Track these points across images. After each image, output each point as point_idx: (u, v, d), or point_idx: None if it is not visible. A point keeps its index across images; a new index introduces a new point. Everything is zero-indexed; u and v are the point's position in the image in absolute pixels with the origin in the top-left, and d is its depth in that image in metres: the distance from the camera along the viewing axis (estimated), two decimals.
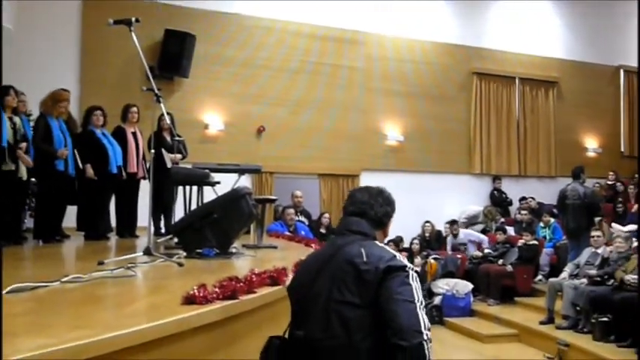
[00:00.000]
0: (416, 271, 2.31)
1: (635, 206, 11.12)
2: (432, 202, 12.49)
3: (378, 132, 12.41)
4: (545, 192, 13.25)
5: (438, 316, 9.77)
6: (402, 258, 2.32)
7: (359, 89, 12.38)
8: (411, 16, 12.89)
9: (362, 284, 2.24)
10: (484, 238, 11.63)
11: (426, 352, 2.10)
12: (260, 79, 11.63)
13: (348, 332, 2.20)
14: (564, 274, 8.57)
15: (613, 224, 9.59)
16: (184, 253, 4.99)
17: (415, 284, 2.24)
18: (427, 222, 12.04)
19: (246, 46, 11.52)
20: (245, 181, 10.00)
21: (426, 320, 2.16)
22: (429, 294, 9.97)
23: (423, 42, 13.00)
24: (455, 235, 11.58)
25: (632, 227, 9.41)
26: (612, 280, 7.62)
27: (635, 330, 6.70)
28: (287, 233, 8.98)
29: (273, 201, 8.18)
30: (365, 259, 2.27)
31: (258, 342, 2.47)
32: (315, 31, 12.06)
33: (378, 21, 12.56)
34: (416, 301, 2.18)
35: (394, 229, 11.14)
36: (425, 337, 2.11)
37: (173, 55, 10.58)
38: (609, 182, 13.68)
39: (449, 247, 11.55)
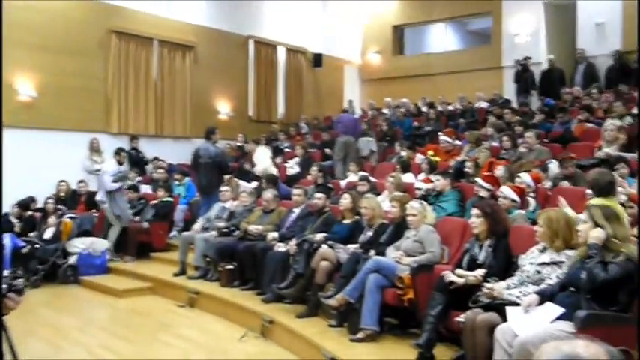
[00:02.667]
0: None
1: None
2: (68, 160, 12.19)
3: (9, 86, 11.63)
4: (182, 152, 13.81)
5: (73, 275, 9.69)
6: None
7: None
8: None
9: None
10: None
11: None
12: None
13: None
14: (196, 227, 9.19)
15: (240, 181, 10.49)
16: None
17: None
18: (62, 181, 11.75)
19: None
20: None
21: None
22: (63, 254, 9.82)
23: None
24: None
25: (255, 184, 10.40)
26: (238, 231, 8.40)
27: None
28: None
29: None
30: None
31: None
32: None
33: None
34: None
35: (26, 190, 10.59)
36: None
37: None
38: (238, 144, 14.80)
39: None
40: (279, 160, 12.58)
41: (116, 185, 10.25)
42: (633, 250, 4.03)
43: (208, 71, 15.25)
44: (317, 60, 17.97)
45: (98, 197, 10.59)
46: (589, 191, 5.59)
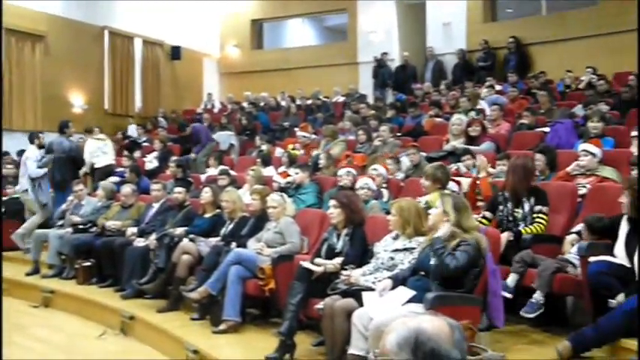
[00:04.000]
0: None
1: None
2: None
3: None
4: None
5: None
6: None
7: None
8: None
9: None
10: None
11: None
12: None
13: None
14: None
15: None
16: None
17: None
18: None
19: None
20: None
21: None
22: None
23: None
24: None
25: (115, 179, 10.14)
26: (95, 227, 8.18)
27: None
28: None
29: None
30: None
31: None
32: None
33: None
34: None
35: None
36: None
37: None
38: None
39: None
40: (137, 154, 12.31)
41: (41, 171, 9.66)
42: (479, 238, 4.37)
43: (61, 62, 14.61)
44: (175, 53, 17.70)
45: (19, 186, 9.93)
46: (425, 182, 5.97)
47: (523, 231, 5.31)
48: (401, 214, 4.83)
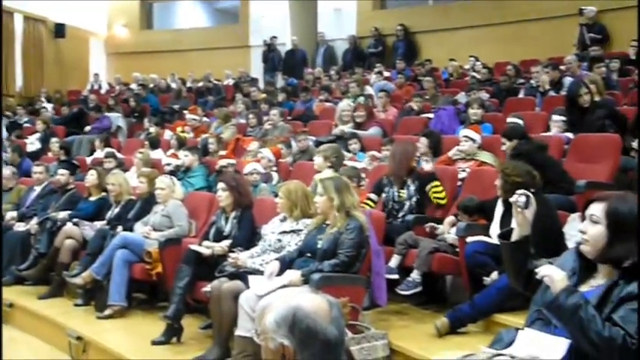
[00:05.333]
0: None
1: None
2: None
3: None
4: None
5: None
6: None
7: None
8: None
9: None
10: None
11: None
12: None
13: None
14: None
15: None
16: None
17: None
18: None
19: None
20: None
21: None
22: None
23: None
24: None
25: None
26: None
27: None
28: None
29: None
30: None
31: None
32: None
33: None
34: None
35: None
36: None
37: None
38: None
39: None
40: (16, 135, 11.77)
41: None
42: (360, 217, 4.50)
43: None
44: (59, 30, 16.97)
45: None
46: (320, 161, 6.10)
47: None
48: (288, 196, 4.90)
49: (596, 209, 2.74)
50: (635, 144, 5.82)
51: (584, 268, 2.82)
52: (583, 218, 2.83)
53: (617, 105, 7.13)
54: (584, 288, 2.78)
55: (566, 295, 2.63)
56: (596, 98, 6.73)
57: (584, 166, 5.65)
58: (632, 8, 11.37)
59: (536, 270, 2.79)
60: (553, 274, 2.72)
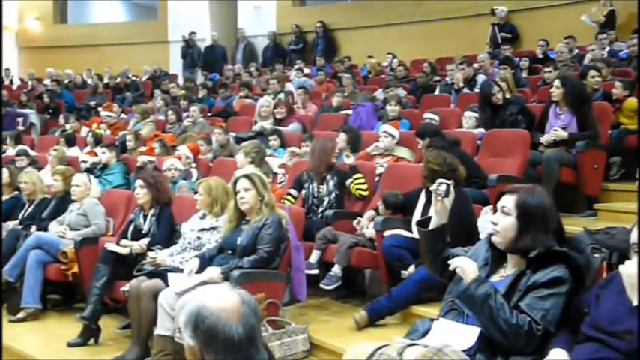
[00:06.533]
0: None
1: None
2: None
3: None
4: None
5: None
6: None
7: None
8: None
9: None
10: None
11: None
12: None
13: None
14: None
15: None
16: None
17: None
18: None
19: None
20: None
21: None
22: None
23: None
24: None
25: None
26: None
27: None
28: None
29: None
30: None
31: None
32: None
33: None
34: None
35: None
36: None
37: None
38: None
39: None
40: None
41: None
42: (279, 212, 4.54)
43: None
44: None
45: None
46: (241, 158, 6.10)
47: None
48: (209, 193, 4.88)
49: (507, 201, 2.87)
50: (542, 139, 6.07)
51: (495, 258, 2.95)
52: (495, 210, 2.96)
53: (527, 102, 7.40)
54: (495, 278, 2.91)
55: (476, 285, 2.75)
56: (507, 95, 6.98)
57: (496, 161, 5.84)
58: (541, 9, 11.94)
59: (449, 262, 2.90)
60: (465, 265, 2.83)
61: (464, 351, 2.69)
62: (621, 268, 2.60)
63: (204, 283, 4.22)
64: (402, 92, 9.14)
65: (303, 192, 5.81)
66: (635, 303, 2.49)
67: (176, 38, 16.11)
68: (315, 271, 5.10)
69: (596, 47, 9.40)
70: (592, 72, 6.97)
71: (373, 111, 8.30)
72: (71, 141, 9.15)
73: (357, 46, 14.24)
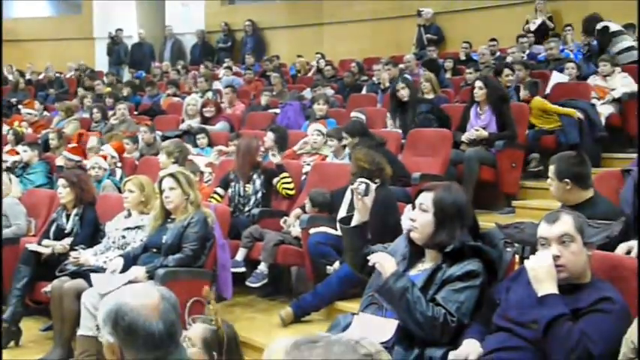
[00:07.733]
0: None
1: None
2: None
3: None
4: None
5: None
6: None
7: None
8: None
9: None
10: None
11: None
12: None
13: None
14: None
15: None
16: None
17: None
18: None
19: None
20: None
21: None
22: None
23: None
24: None
25: None
26: None
27: None
28: None
29: None
30: None
31: None
32: None
33: None
34: None
35: None
36: None
37: None
38: None
39: None
40: None
41: None
42: (205, 211, 4.56)
43: None
44: None
45: None
46: (164, 158, 6.08)
47: None
48: (141, 189, 4.84)
49: (425, 198, 2.98)
50: (464, 136, 6.27)
51: (414, 253, 3.06)
52: (414, 207, 3.06)
53: (448, 102, 7.61)
54: (413, 272, 3.01)
55: (394, 279, 2.84)
56: (431, 95, 7.18)
57: (419, 160, 6.01)
58: (466, 11, 12.24)
59: (369, 257, 2.99)
60: (383, 260, 2.92)
61: (382, 343, 2.77)
62: (526, 262, 2.73)
63: (129, 282, 4.21)
64: (329, 92, 9.24)
65: (230, 191, 5.82)
66: (539, 294, 2.63)
67: (102, 35, 15.78)
68: (242, 269, 5.14)
69: (516, 50, 9.74)
70: (506, 71, 7.41)
71: (301, 110, 8.37)
72: None
73: (286, 46, 14.29)
